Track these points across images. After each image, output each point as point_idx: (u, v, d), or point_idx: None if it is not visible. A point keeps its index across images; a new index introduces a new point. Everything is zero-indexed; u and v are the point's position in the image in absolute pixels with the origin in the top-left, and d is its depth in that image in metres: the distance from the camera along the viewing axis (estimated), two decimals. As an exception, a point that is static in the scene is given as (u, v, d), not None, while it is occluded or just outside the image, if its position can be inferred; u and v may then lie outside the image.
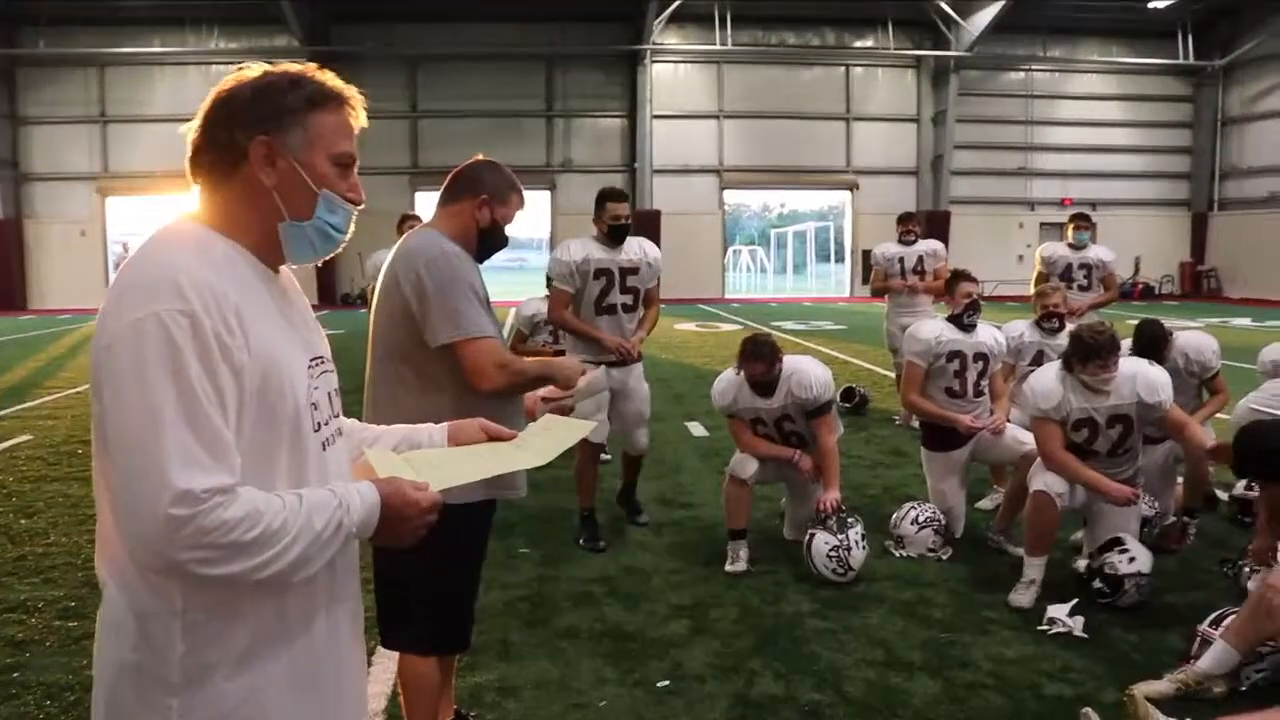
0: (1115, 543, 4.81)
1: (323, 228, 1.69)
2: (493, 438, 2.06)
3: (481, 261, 3.20)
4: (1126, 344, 5.44)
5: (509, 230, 3.23)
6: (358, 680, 1.85)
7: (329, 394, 1.72)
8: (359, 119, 1.73)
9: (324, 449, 1.68)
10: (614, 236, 5.65)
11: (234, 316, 1.48)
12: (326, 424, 1.69)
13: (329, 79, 1.69)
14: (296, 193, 1.65)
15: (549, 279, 5.63)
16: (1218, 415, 6.10)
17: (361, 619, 1.86)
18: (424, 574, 2.93)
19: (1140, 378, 4.87)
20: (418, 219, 8.12)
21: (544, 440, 2.07)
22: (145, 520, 1.40)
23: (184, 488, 1.39)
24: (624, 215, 5.65)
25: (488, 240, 3.16)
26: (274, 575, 1.47)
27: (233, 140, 1.61)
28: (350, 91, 1.71)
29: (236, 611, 1.54)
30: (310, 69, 1.69)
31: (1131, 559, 4.72)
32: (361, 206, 1.74)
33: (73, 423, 9.64)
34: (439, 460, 1.87)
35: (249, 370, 1.50)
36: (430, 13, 27.35)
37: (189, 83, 27.83)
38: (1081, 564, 4.94)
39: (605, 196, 5.71)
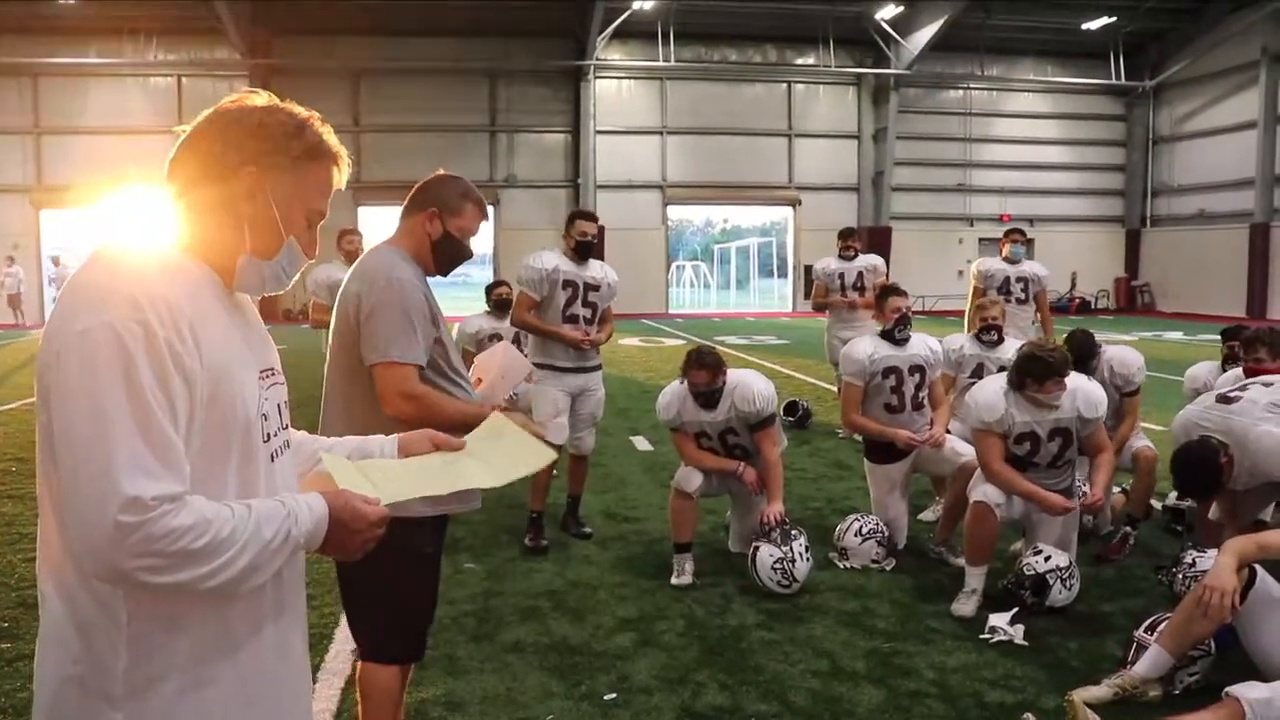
0: (1031, 552, 4.95)
1: (279, 271, 1.71)
2: (440, 447, 2.06)
3: (444, 274, 3.22)
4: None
5: (474, 243, 3.23)
6: (305, 693, 1.84)
7: (279, 405, 1.72)
8: (342, 180, 1.76)
9: (273, 460, 1.67)
10: (580, 252, 6.08)
11: (186, 326, 1.48)
12: (275, 435, 1.69)
13: (328, 134, 1.73)
14: (265, 232, 1.67)
15: (489, 288, 5.80)
16: (1155, 428, 6.24)
17: (307, 632, 1.85)
18: (385, 583, 2.93)
19: (1081, 393, 4.98)
20: (357, 233, 8.62)
21: (498, 452, 2.05)
22: (93, 527, 1.38)
23: (133, 494, 1.37)
24: (590, 233, 6.12)
25: (443, 253, 3.14)
26: (222, 584, 1.46)
27: (225, 159, 1.62)
28: (343, 152, 1.75)
29: (181, 623, 1.52)
30: (314, 118, 1.72)
31: (1047, 558, 4.86)
32: (312, 261, 1.77)
33: (4, 440, 9.43)
34: (394, 473, 1.87)
35: (201, 380, 1.49)
36: (373, 26, 27.18)
37: (126, 94, 27.47)
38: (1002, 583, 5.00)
39: (576, 215, 6.19)
